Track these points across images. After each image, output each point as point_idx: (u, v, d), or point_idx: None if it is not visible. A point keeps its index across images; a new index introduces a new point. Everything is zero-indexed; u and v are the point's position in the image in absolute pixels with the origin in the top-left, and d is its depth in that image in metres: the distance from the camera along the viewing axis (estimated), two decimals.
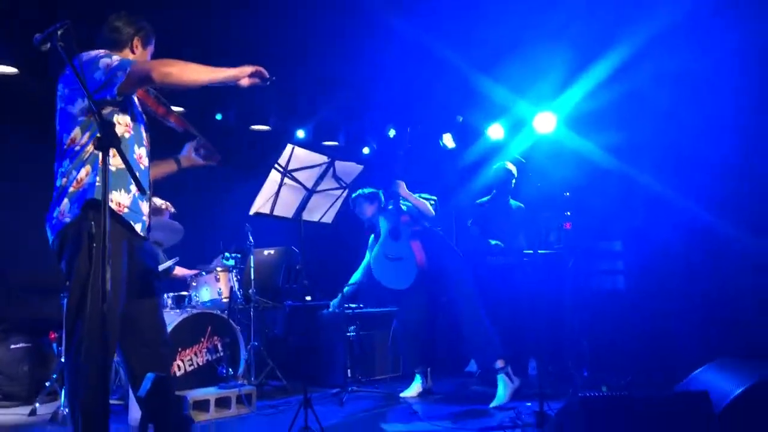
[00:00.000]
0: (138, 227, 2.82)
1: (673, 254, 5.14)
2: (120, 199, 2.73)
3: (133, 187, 2.78)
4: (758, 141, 4.59)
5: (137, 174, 2.48)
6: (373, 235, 5.28)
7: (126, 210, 2.76)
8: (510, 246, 5.58)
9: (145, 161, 2.90)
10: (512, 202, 5.76)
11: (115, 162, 2.63)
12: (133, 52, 2.91)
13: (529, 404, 4.23)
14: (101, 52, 2.72)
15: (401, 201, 4.92)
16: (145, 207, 2.88)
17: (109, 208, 2.61)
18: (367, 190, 5.21)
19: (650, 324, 5.10)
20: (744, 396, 2.96)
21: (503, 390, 4.52)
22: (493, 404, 4.45)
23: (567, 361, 5.34)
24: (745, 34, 4.57)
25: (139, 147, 2.86)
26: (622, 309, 5.39)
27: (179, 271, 5.44)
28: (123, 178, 2.73)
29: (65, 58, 2.29)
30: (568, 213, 5.63)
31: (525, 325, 5.30)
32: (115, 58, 2.68)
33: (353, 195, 5.15)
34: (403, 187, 4.86)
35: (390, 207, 4.98)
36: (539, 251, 5.62)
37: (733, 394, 2.99)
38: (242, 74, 2.83)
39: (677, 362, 4.51)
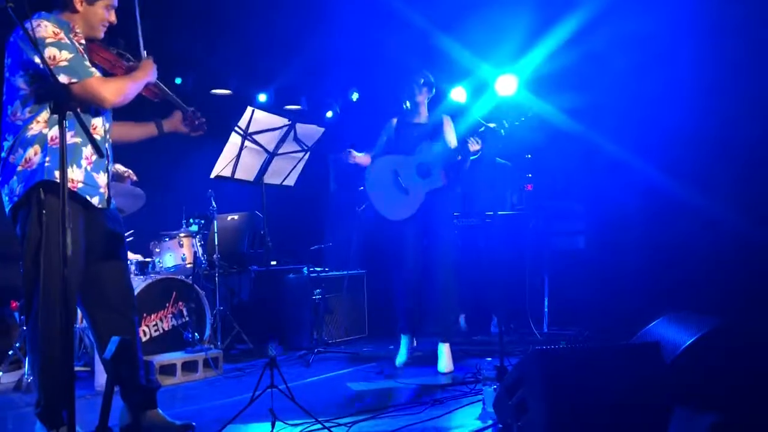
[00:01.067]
0: (95, 200, 2.79)
1: (630, 214, 5.26)
2: (72, 176, 2.68)
3: (84, 161, 2.73)
4: (712, 104, 4.69)
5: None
6: (396, 121, 4.79)
7: (80, 185, 2.72)
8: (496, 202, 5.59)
9: (100, 131, 2.83)
10: (498, 159, 5.73)
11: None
12: (76, 11, 2.75)
13: (490, 359, 4.35)
14: (49, 37, 2.59)
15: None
16: (101, 179, 2.82)
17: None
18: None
19: (608, 282, 5.24)
20: (692, 347, 3.10)
21: (447, 356, 4.46)
22: (442, 369, 4.41)
23: (528, 318, 5.50)
24: None
25: (94, 117, 2.80)
26: (581, 268, 5.53)
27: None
28: (73, 153, 2.69)
29: (16, 19, 2.22)
30: (530, 175, 5.74)
31: (487, 284, 5.39)
32: (64, 54, 2.59)
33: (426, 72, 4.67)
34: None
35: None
36: (500, 212, 5.71)
37: (683, 345, 3.14)
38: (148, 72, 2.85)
39: (633, 317, 4.65)
